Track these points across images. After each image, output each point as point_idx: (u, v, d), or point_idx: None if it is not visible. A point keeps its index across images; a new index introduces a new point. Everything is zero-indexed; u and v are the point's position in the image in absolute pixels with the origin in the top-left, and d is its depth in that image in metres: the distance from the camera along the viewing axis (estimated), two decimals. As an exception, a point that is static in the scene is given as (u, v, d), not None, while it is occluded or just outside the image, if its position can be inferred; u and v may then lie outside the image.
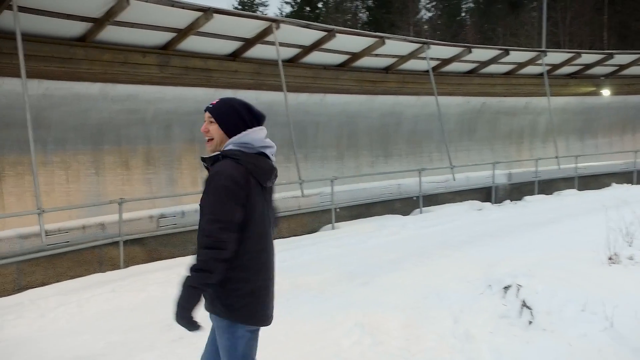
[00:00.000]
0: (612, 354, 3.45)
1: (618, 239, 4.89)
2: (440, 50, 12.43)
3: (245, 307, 2.35)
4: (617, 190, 13.08)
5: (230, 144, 2.38)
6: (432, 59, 12.16)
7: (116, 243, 7.80)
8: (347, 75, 11.75)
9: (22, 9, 6.82)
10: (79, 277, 7.15)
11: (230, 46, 9.69)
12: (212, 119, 2.43)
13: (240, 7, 37.63)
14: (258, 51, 9.88)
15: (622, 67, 16.02)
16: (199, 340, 2.56)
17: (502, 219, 10.34)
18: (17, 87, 7.10)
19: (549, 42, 26.60)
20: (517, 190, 14.07)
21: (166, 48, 9.01)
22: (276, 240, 9.13)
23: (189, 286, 2.25)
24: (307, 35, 10.06)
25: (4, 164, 7.96)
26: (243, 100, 2.48)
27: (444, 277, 5.46)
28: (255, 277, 2.38)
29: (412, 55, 11.91)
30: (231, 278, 2.31)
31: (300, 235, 9.81)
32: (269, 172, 2.43)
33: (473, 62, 13.44)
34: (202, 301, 2.33)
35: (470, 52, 12.51)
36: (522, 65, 14.27)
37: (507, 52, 13.25)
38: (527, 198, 13.27)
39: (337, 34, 10.12)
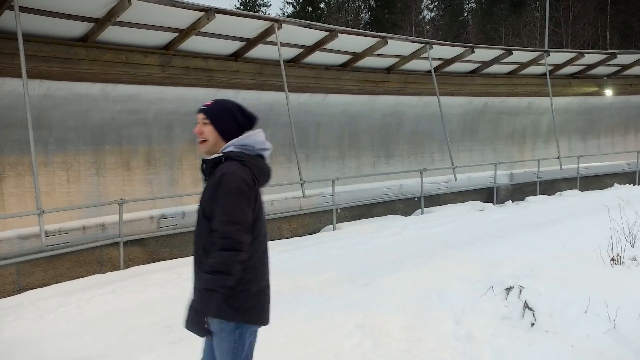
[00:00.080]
0: (615, 356, 3.43)
1: (621, 239, 4.88)
2: (443, 50, 12.39)
3: (253, 308, 2.36)
4: (619, 191, 13.05)
5: (231, 146, 2.37)
6: (434, 59, 12.13)
7: (116, 244, 7.80)
8: (349, 75, 11.72)
9: (23, 9, 6.81)
10: (79, 278, 7.15)
11: (232, 46, 9.67)
12: (206, 120, 2.42)
13: (242, 7, 37.74)
14: (259, 51, 9.86)
15: (625, 67, 15.95)
16: (199, 342, 2.54)
17: (504, 219, 10.32)
18: (18, 87, 7.08)
19: (552, 42, 26.59)
20: (519, 191, 14.07)
21: (167, 48, 8.99)
22: (277, 240, 9.10)
23: (206, 289, 2.21)
24: (309, 35, 10.03)
25: (4, 165, 7.94)
26: (236, 102, 2.49)
27: (446, 278, 5.43)
28: (261, 277, 2.41)
29: (414, 55, 11.87)
30: (241, 279, 2.31)
31: (302, 235, 9.81)
32: (268, 174, 2.46)
33: (475, 62, 13.39)
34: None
35: (472, 52, 12.46)
36: (524, 65, 14.23)
37: (509, 52, 13.21)
38: (529, 198, 13.26)
39: (339, 34, 10.08)
